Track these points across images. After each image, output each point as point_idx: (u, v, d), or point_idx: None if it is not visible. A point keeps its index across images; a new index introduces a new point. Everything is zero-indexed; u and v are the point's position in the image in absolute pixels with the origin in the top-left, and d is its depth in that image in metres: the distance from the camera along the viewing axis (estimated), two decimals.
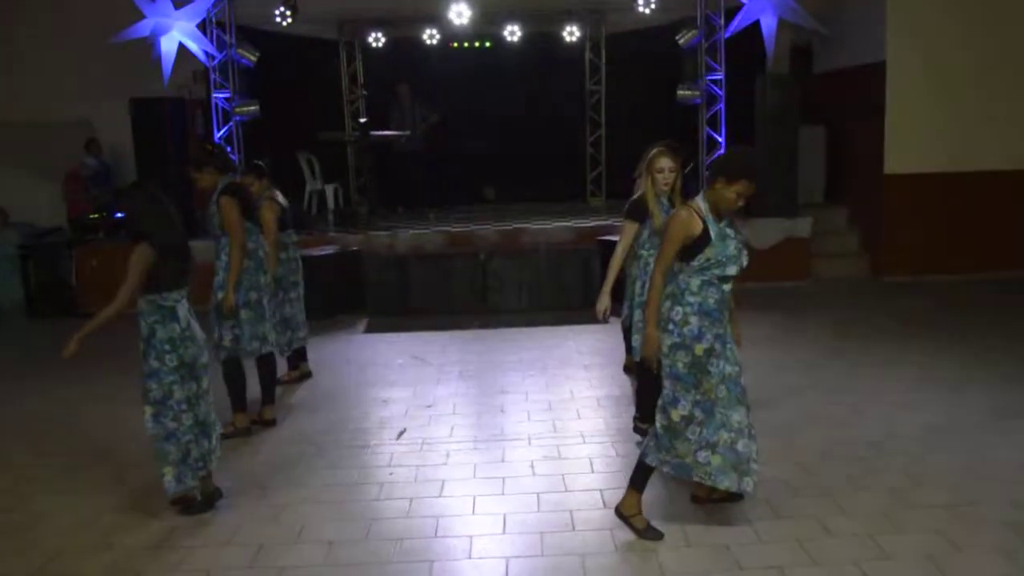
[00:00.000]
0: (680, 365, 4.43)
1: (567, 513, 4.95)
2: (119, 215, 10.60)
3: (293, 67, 12.72)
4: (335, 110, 14.07)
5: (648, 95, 12.85)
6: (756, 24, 10.91)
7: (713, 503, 4.88)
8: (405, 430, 6.41)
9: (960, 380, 7.10)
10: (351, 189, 14.13)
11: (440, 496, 5.27)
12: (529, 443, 6.09)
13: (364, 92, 14.16)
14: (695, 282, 4.40)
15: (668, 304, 4.46)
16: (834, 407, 6.60)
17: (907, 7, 10.97)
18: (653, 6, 11.60)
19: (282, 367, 7.46)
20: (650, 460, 4.60)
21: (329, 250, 10.39)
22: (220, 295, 6.15)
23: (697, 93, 11.53)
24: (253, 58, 11.31)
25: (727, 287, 4.46)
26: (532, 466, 5.67)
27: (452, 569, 4.42)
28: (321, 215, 12.82)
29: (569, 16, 13.32)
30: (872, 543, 4.46)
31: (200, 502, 5.12)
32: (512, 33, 13.22)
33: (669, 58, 12.52)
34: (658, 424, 4.55)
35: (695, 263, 4.37)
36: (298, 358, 7.73)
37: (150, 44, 10.63)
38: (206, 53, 11.01)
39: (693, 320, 4.38)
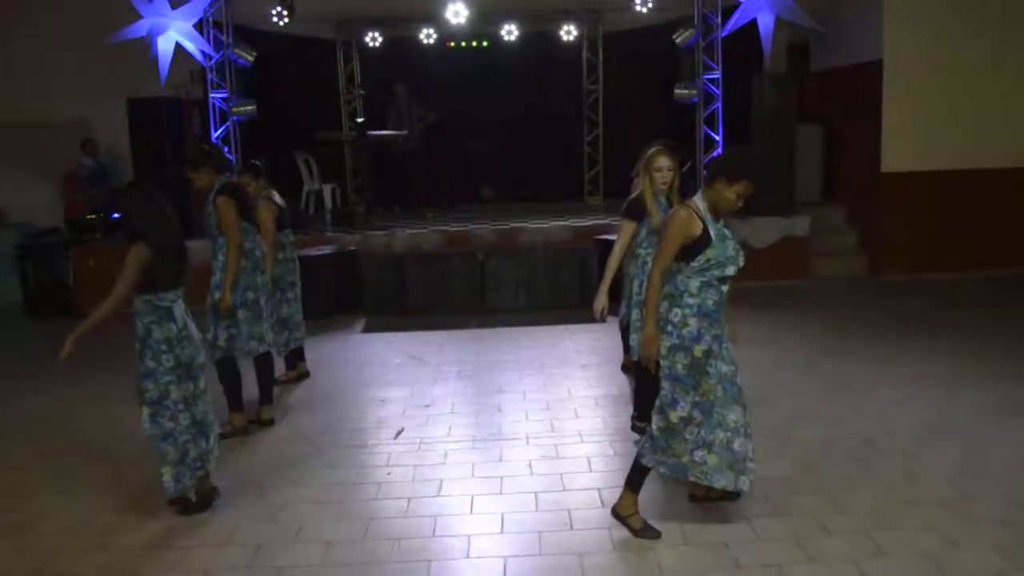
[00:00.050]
0: (679, 367, 4.43)
1: (565, 512, 4.95)
2: (116, 215, 10.59)
3: (290, 67, 12.72)
4: (332, 110, 14.07)
5: (645, 94, 12.87)
6: (753, 23, 10.92)
7: (711, 501, 4.89)
8: (403, 430, 6.41)
9: (957, 378, 7.11)
10: (348, 189, 14.14)
11: (438, 496, 5.27)
12: (527, 442, 6.09)
13: (361, 92, 14.15)
14: (694, 283, 4.39)
15: (666, 305, 4.46)
16: (832, 405, 6.60)
17: (904, 5, 10.97)
18: (650, 5, 11.63)
19: (280, 367, 7.46)
20: (646, 460, 4.60)
21: (327, 250, 10.39)
22: (217, 295, 6.15)
23: (694, 92, 11.53)
24: (250, 58, 11.31)
25: (725, 288, 4.46)
26: (530, 465, 5.67)
27: (450, 568, 4.43)
28: (318, 215, 12.82)
29: (566, 15, 13.33)
30: (869, 541, 4.47)
31: (196, 502, 5.12)
32: (509, 32, 13.23)
33: (666, 57, 12.54)
34: (655, 425, 4.55)
35: (695, 264, 4.36)
36: (296, 358, 7.73)
37: (147, 44, 10.63)
38: (203, 53, 11.01)
39: (692, 322, 4.38)
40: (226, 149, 11.16)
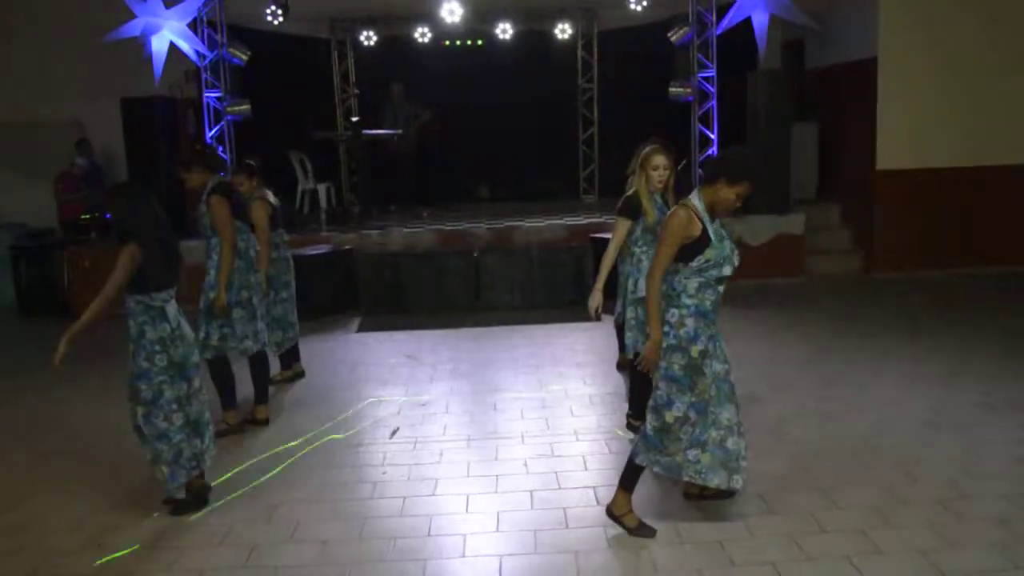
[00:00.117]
0: (676, 367, 4.42)
1: (560, 511, 4.95)
2: (110, 216, 10.57)
3: (285, 66, 12.70)
4: (327, 109, 14.08)
5: (640, 92, 12.86)
6: (747, 21, 10.93)
7: (705, 499, 4.88)
8: (398, 429, 6.40)
9: (952, 375, 7.12)
10: (343, 188, 14.15)
11: (433, 495, 5.27)
12: (522, 441, 6.09)
13: (356, 91, 14.15)
14: (692, 284, 4.38)
15: (662, 305, 4.45)
16: (826, 403, 6.61)
17: (899, 3, 10.99)
18: (644, 3, 11.63)
19: (275, 366, 7.45)
20: (640, 460, 4.60)
21: (322, 249, 10.38)
22: (211, 295, 6.15)
23: (689, 90, 11.53)
24: (244, 57, 11.29)
25: (722, 288, 4.45)
26: (525, 464, 5.67)
27: (446, 567, 4.42)
28: (314, 214, 12.81)
29: (561, 14, 13.34)
30: (865, 538, 4.47)
31: (189, 501, 5.10)
32: (504, 31, 13.23)
33: (661, 55, 12.54)
34: (649, 425, 4.55)
35: (694, 264, 4.34)
36: (291, 357, 7.72)
37: (141, 44, 10.60)
38: (197, 52, 11.00)
39: (689, 322, 4.37)
40: (221, 149, 11.16)
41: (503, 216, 11.89)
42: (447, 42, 14.04)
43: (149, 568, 4.50)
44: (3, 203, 12.27)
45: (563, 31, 13.41)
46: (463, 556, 4.52)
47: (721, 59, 11.33)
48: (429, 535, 4.74)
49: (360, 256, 10.48)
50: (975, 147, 11.17)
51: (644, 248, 5.81)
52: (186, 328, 5.05)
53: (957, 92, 11.06)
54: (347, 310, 10.17)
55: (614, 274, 5.99)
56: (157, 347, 4.85)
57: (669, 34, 11.56)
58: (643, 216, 5.77)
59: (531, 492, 5.22)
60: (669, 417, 4.45)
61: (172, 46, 10.74)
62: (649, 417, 4.56)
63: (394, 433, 6.33)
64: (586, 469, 5.56)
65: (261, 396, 6.64)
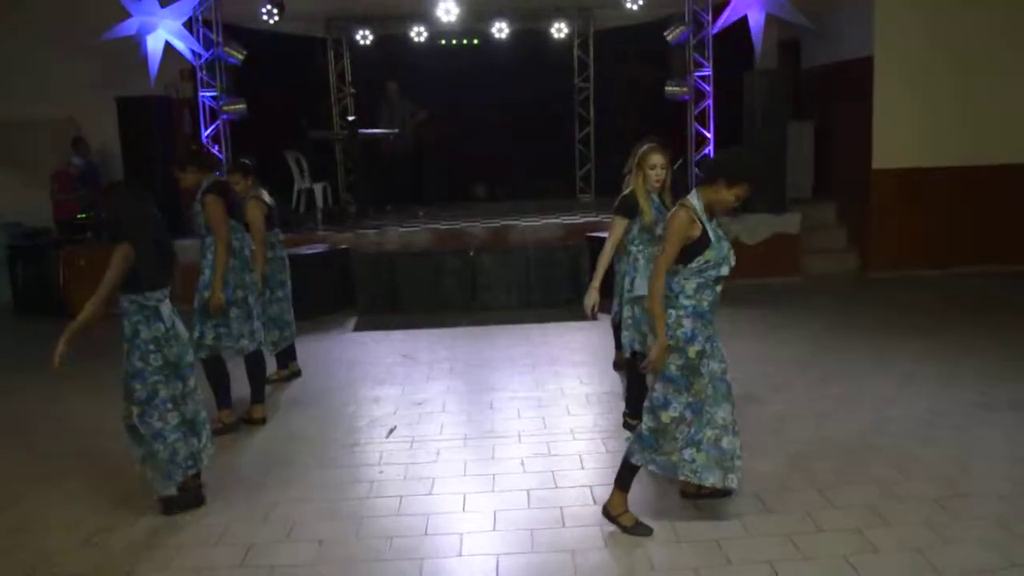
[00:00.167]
0: (673, 368, 4.42)
1: (557, 510, 4.95)
2: (105, 215, 10.55)
3: (280, 65, 12.68)
4: (323, 108, 14.05)
5: (636, 92, 12.87)
6: (744, 20, 10.93)
7: (702, 498, 4.88)
8: (395, 428, 6.40)
9: (948, 373, 7.13)
10: (340, 187, 14.12)
11: (430, 494, 5.27)
12: (519, 440, 6.09)
13: (352, 90, 14.14)
14: (691, 285, 4.37)
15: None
16: (823, 401, 6.62)
17: (895, 2, 11.00)
18: (641, 3, 11.62)
19: (271, 366, 7.45)
20: (636, 460, 4.60)
21: (318, 248, 10.38)
22: (206, 294, 6.14)
23: (685, 89, 11.53)
24: (240, 56, 11.27)
25: (719, 288, 4.46)
26: (522, 463, 5.67)
27: (443, 567, 4.42)
28: (310, 213, 12.79)
29: (557, 13, 13.32)
30: (861, 537, 4.48)
31: (181, 500, 5.08)
32: (500, 30, 13.21)
33: (657, 54, 12.56)
34: (644, 426, 4.55)
35: (693, 265, 4.34)
36: (287, 357, 7.71)
37: (136, 43, 10.58)
38: (193, 52, 10.97)
39: (687, 323, 4.37)
40: (216, 148, 11.14)
41: (499, 215, 11.89)
42: (443, 41, 14.02)
43: (146, 567, 4.49)
44: (0, 202, 12.24)
45: (559, 30, 13.40)
46: (460, 555, 4.52)
47: (717, 58, 11.32)
48: (426, 534, 4.74)
49: (356, 255, 10.48)
50: (971, 146, 11.18)
51: (641, 247, 5.81)
52: (180, 327, 5.05)
53: (953, 91, 11.06)
54: (343, 309, 10.16)
55: (610, 273, 5.98)
56: (151, 346, 4.85)
57: (665, 33, 11.56)
58: (640, 215, 5.77)
59: (528, 491, 5.22)
60: (665, 417, 4.45)
61: (168, 45, 10.72)
62: (645, 417, 4.56)
63: (391, 432, 6.32)
64: (583, 468, 5.56)
65: (257, 395, 6.63)
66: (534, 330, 9.13)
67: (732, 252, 4.42)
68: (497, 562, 4.41)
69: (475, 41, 14.12)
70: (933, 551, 4.30)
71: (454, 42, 14.17)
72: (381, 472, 5.62)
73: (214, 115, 11.29)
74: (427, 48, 13.71)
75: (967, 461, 5.40)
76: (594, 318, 5.96)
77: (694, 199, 4.37)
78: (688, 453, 4.47)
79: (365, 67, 14.17)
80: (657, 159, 5.73)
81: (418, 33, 13.40)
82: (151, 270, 4.84)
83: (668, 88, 11.60)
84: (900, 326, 8.73)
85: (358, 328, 9.59)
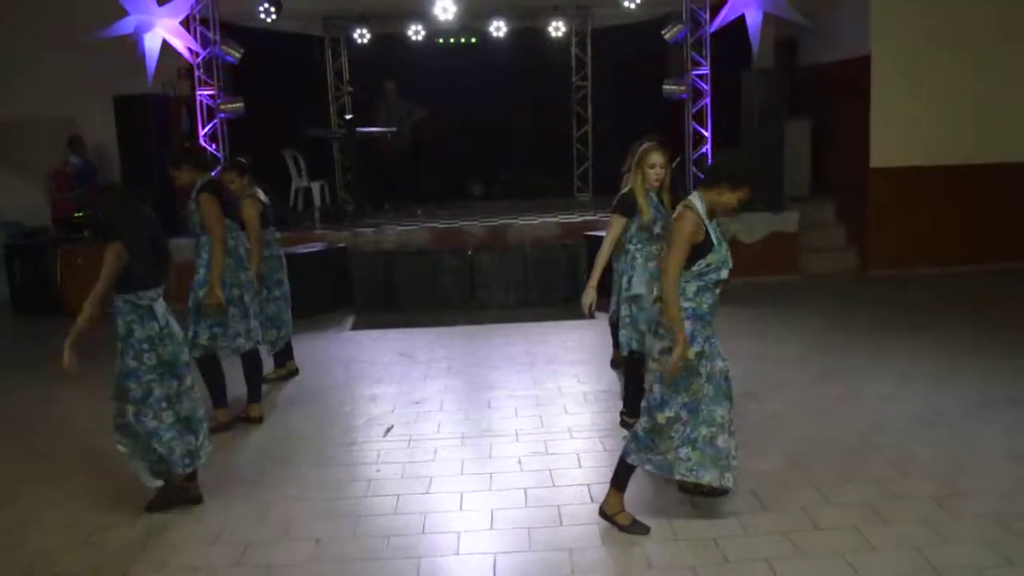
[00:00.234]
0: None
1: (554, 508, 4.95)
2: (100, 214, 10.54)
3: (278, 64, 12.65)
4: (321, 107, 14.04)
5: (634, 90, 12.85)
6: (741, 19, 10.93)
7: (700, 495, 4.89)
8: (392, 427, 6.40)
9: (946, 371, 7.13)
10: (337, 186, 14.12)
11: (427, 492, 5.26)
12: (516, 439, 6.09)
13: (349, 89, 14.13)
14: (691, 287, 4.37)
15: (659, 308, 4.45)
16: (821, 400, 6.62)
17: (891, 0, 10.99)
18: (638, 1, 11.62)
19: (268, 365, 7.44)
20: (632, 459, 4.60)
21: (316, 247, 10.37)
22: (200, 293, 6.13)
23: (683, 88, 11.52)
24: (237, 55, 11.25)
25: (719, 290, 4.46)
26: (519, 462, 5.67)
27: (440, 565, 4.42)
28: (307, 212, 12.78)
29: (555, 11, 13.31)
30: (859, 535, 4.48)
31: (163, 499, 5.09)
32: (498, 29, 13.19)
33: (655, 53, 12.54)
34: (640, 426, 4.55)
35: (695, 268, 4.34)
36: (284, 356, 7.70)
37: (134, 41, 10.57)
38: (190, 50, 10.96)
39: (687, 325, 4.36)
40: (214, 147, 11.12)
41: (497, 214, 11.88)
42: (441, 40, 14.02)
43: (143, 567, 4.49)
44: None
45: (557, 29, 13.39)
46: (457, 554, 4.51)
47: (715, 57, 11.31)
48: (423, 533, 4.74)
49: (354, 254, 10.47)
50: (969, 145, 11.18)
51: (639, 246, 5.80)
52: (175, 326, 5.05)
53: (950, 90, 11.06)
54: (341, 308, 10.15)
55: (608, 271, 5.98)
56: (145, 346, 4.85)
57: (663, 32, 11.55)
58: (638, 214, 5.76)
59: (525, 490, 5.22)
60: (661, 418, 4.45)
61: (165, 44, 10.71)
62: (642, 418, 4.56)
63: (388, 431, 6.32)
64: (580, 467, 5.56)
65: (255, 394, 6.63)
66: (532, 329, 9.12)
67: (730, 254, 4.42)
68: (494, 561, 4.41)
69: (473, 40, 14.11)
70: (931, 549, 4.30)
71: (452, 41, 14.16)
72: (378, 471, 5.61)
73: (211, 114, 11.28)
74: (425, 47, 13.70)
75: (965, 459, 5.40)
76: (592, 317, 5.95)
77: (697, 202, 4.36)
78: (684, 452, 4.47)
79: (363, 66, 14.16)
80: (656, 158, 5.72)
81: (416, 32, 13.39)
82: (144, 269, 4.84)
83: (666, 87, 11.60)
84: (899, 324, 8.73)
85: (356, 327, 9.59)
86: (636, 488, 4.82)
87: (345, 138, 12.93)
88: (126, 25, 10.48)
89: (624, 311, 5.88)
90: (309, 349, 8.44)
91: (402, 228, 11.22)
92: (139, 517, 5.03)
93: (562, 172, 14.61)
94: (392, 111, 13.35)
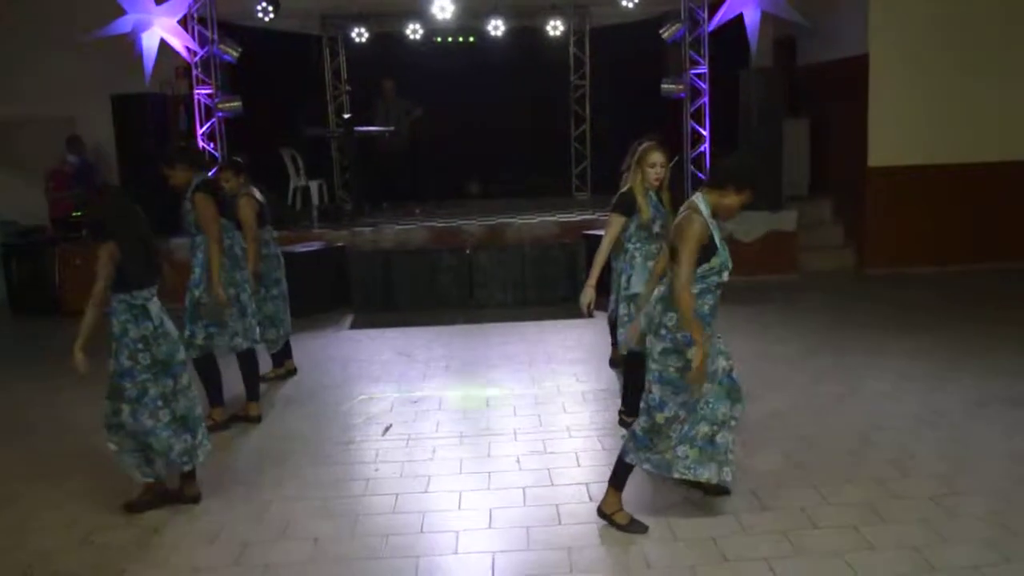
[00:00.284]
0: (671, 370, 4.42)
1: (553, 507, 4.95)
2: (93, 215, 10.52)
3: (276, 63, 12.64)
4: (319, 106, 14.03)
5: (632, 89, 12.85)
6: (739, 18, 10.93)
7: (700, 489, 4.89)
8: (391, 426, 6.40)
9: (945, 370, 7.13)
10: (336, 185, 14.11)
11: (426, 492, 5.26)
12: (515, 438, 6.08)
13: (347, 88, 14.12)
14: (694, 290, 4.37)
15: (661, 308, 4.44)
16: (820, 399, 6.62)
17: (890, 0, 10.99)
18: (637, 0, 11.60)
19: (267, 364, 7.43)
20: (630, 459, 4.60)
21: (314, 246, 10.36)
22: (196, 293, 6.12)
23: (681, 87, 11.52)
24: (235, 54, 11.24)
25: (719, 292, 4.46)
26: (518, 461, 5.67)
27: (438, 564, 4.42)
28: (305, 211, 12.77)
29: (553, 11, 13.29)
30: (857, 534, 4.48)
31: (145, 500, 5.10)
32: (496, 28, 13.17)
33: (653, 52, 12.55)
34: (639, 426, 4.55)
35: (698, 271, 4.34)
36: (283, 355, 7.69)
37: (131, 40, 10.55)
38: (188, 49, 10.94)
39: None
40: (212, 145, 11.11)
41: (495, 213, 11.88)
42: (439, 39, 14.00)
43: (141, 566, 4.49)
44: None
45: (555, 28, 13.37)
46: (456, 553, 4.51)
47: (713, 56, 11.32)
48: (422, 532, 4.74)
49: (352, 253, 10.46)
50: (967, 144, 11.18)
51: (638, 245, 5.80)
52: (169, 326, 5.05)
53: (949, 89, 11.05)
54: (339, 307, 10.14)
55: (607, 270, 5.98)
56: (140, 345, 4.85)
57: (661, 31, 11.56)
58: (638, 213, 5.76)
59: (524, 489, 5.22)
60: (660, 418, 4.45)
61: (163, 43, 10.69)
62: (640, 418, 4.56)
63: (387, 430, 6.32)
64: (579, 465, 5.56)
65: (253, 393, 6.62)
66: (530, 328, 9.12)
67: (729, 256, 4.42)
68: (493, 560, 4.41)
69: (471, 39, 14.10)
70: (930, 548, 4.30)
71: (450, 40, 14.15)
72: (377, 470, 5.61)
73: (209, 113, 11.26)
74: (423, 45, 13.69)
75: (964, 459, 5.40)
76: (590, 315, 5.94)
77: (701, 204, 4.36)
78: (682, 450, 4.47)
79: (360, 64, 14.16)
80: (657, 157, 5.72)
81: (414, 30, 13.38)
82: (137, 268, 4.86)
83: (664, 86, 11.60)
84: (897, 323, 8.73)
85: (354, 326, 9.58)
86: (634, 487, 4.82)
87: (343, 137, 12.93)
88: (124, 24, 10.46)
89: (623, 310, 5.87)
90: (307, 348, 8.44)
91: (400, 227, 11.22)
92: (138, 516, 5.02)
93: (560, 171, 14.61)
94: (390, 110, 13.34)
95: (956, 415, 6.16)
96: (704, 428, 4.46)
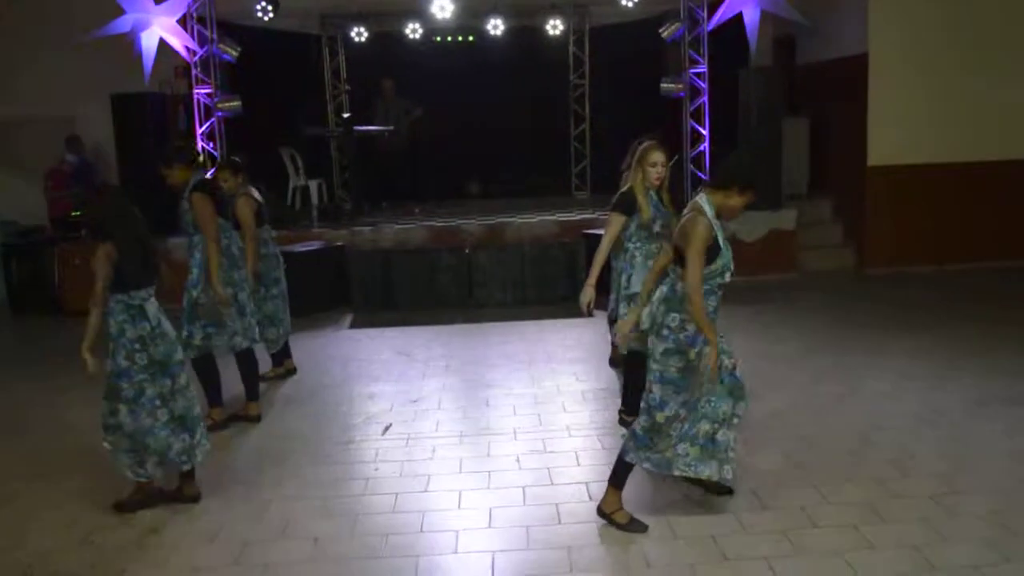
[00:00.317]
0: (672, 370, 4.42)
1: (553, 507, 4.95)
2: (90, 215, 10.51)
3: (275, 62, 12.63)
4: (318, 105, 14.02)
5: (632, 89, 12.86)
6: (739, 17, 10.93)
7: (705, 490, 4.89)
8: (390, 425, 6.39)
9: (945, 370, 7.13)
10: (335, 184, 14.10)
11: (426, 491, 5.26)
12: (515, 437, 6.08)
13: (347, 87, 14.12)
14: None
15: (663, 309, 4.44)
16: (820, 398, 6.62)
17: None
18: None
19: (266, 364, 7.43)
20: (630, 458, 4.60)
21: (313, 246, 10.36)
22: (194, 293, 6.12)
23: (681, 86, 11.52)
24: (235, 53, 11.23)
25: (721, 292, 4.46)
26: (518, 460, 5.67)
27: (438, 564, 4.41)
28: (305, 211, 12.77)
29: (552, 10, 13.28)
30: (857, 533, 4.48)
31: (138, 494, 5.10)
32: (495, 27, 13.17)
33: (653, 51, 12.55)
34: (639, 425, 4.55)
35: (703, 272, 4.34)
36: (282, 354, 7.69)
37: (130, 40, 10.54)
38: (187, 48, 10.94)
39: (690, 327, 4.37)
40: (211, 145, 11.11)
41: (495, 212, 11.88)
42: (438, 38, 14.00)
43: (141, 565, 4.49)
44: None
45: (555, 27, 13.37)
46: (455, 552, 4.51)
47: (712, 55, 11.31)
48: (421, 531, 4.74)
49: (352, 252, 10.46)
50: (966, 143, 11.18)
51: (638, 244, 5.80)
52: (167, 326, 5.05)
53: (948, 88, 11.05)
54: (339, 306, 10.14)
55: (607, 270, 5.97)
56: (137, 345, 4.85)
57: (660, 30, 11.55)
58: (638, 212, 5.75)
59: (523, 488, 5.21)
60: (660, 417, 4.45)
61: (162, 42, 10.69)
62: (640, 417, 4.56)
63: (386, 429, 6.32)
64: (578, 465, 5.55)
65: (252, 393, 6.62)
66: (530, 327, 9.12)
67: (732, 257, 4.42)
68: (493, 559, 4.40)
69: (470, 38, 14.09)
70: (930, 548, 4.30)
71: (449, 39, 14.14)
72: (376, 469, 5.61)
73: (209, 112, 11.26)
74: (422, 45, 13.68)
75: (965, 458, 5.40)
76: (590, 315, 5.94)
77: (705, 205, 4.35)
78: (682, 447, 4.47)
79: (360, 64, 14.16)
80: (657, 157, 5.72)
81: (413, 30, 13.37)
82: (135, 268, 4.86)
83: (664, 85, 11.60)
84: (897, 322, 8.73)
85: (353, 325, 9.58)
86: (634, 486, 4.82)
87: (343, 136, 12.92)
88: (123, 24, 10.46)
89: (623, 309, 5.86)
90: (307, 348, 8.43)
91: (400, 226, 11.21)
92: (137, 516, 5.02)
93: (560, 170, 14.61)
94: (390, 109, 13.34)
95: (956, 414, 6.15)
96: (705, 426, 4.46)
